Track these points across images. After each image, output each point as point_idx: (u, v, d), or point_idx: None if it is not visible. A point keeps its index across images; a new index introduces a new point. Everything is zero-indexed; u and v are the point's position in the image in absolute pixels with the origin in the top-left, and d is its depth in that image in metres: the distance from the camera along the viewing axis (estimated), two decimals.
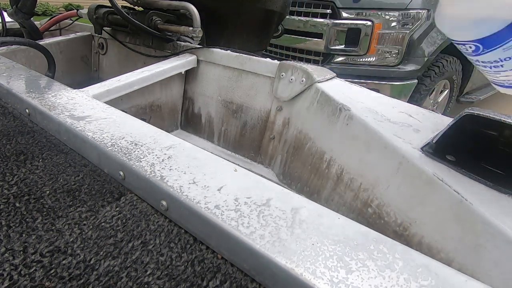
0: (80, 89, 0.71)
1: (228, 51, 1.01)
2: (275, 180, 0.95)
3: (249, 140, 1.05)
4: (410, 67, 2.09)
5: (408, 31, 1.99)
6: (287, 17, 2.18)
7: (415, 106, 0.73)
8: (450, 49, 2.16)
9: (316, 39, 2.24)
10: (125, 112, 0.56)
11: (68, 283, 0.30)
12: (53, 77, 0.98)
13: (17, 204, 0.39)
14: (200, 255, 0.34)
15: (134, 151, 0.43)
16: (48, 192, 0.42)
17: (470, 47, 0.46)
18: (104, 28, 1.29)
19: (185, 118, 1.22)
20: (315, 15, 2.22)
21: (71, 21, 1.49)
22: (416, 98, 2.20)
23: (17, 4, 1.13)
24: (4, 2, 1.49)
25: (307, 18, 2.25)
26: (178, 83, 1.14)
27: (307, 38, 2.30)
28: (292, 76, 0.86)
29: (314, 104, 0.82)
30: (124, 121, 0.52)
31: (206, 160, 0.42)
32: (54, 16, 1.47)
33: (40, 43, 1.12)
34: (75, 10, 1.40)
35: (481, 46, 0.44)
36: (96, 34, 1.34)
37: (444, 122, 0.65)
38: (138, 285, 0.30)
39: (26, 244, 0.34)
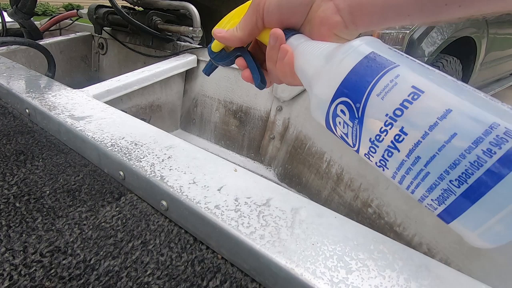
0: (80, 89, 0.71)
1: None
2: (275, 180, 0.95)
3: (249, 140, 1.05)
4: None
5: (408, 31, 1.99)
6: None
7: None
8: (450, 49, 2.16)
9: None
10: (125, 112, 0.56)
11: (68, 283, 0.30)
12: (53, 77, 0.98)
13: (17, 204, 0.39)
14: (200, 255, 0.34)
15: (134, 151, 0.43)
16: (48, 192, 0.42)
17: None
18: (104, 28, 1.29)
19: (185, 118, 1.22)
20: None
21: (71, 21, 1.49)
22: None
23: (17, 4, 1.13)
24: (4, 2, 1.49)
25: None
26: (178, 83, 1.14)
27: None
28: None
29: None
30: (124, 121, 0.52)
31: (206, 160, 0.42)
32: (54, 16, 1.47)
33: (40, 43, 1.12)
34: (75, 10, 1.39)
35: None
36: (96, 34, 1.34)
37: None
38: (138, 285, 0.30)
39: (26, 244, 0.34)
